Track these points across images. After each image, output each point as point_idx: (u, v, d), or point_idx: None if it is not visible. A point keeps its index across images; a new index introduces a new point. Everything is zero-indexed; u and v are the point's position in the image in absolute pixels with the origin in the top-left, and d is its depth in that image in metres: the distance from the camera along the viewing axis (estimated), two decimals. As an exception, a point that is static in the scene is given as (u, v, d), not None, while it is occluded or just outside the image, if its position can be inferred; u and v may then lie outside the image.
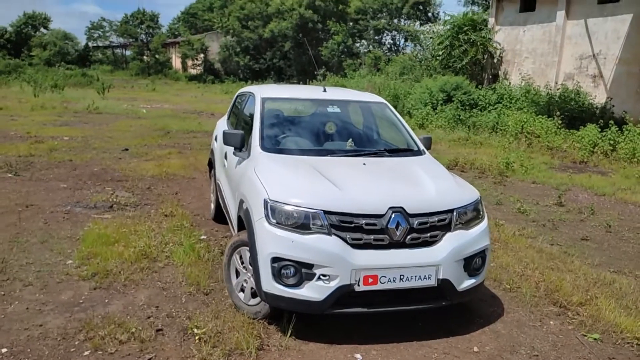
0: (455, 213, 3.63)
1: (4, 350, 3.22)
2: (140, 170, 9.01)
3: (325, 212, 3.36)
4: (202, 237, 5.59)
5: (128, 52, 58.47)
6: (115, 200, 6.86)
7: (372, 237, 3.38)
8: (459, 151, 12.34)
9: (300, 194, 3.47)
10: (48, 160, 9.52)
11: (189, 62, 48.15)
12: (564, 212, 7.61)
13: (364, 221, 3.37)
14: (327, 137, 4.69)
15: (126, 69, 53.43)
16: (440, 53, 21.25)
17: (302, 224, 3.37)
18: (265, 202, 3.47)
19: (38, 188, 7.44)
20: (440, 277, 3.49)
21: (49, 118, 15.78)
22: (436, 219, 3.54)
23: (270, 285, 3.39)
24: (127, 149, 11.11)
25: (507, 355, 3.56)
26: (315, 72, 30.21)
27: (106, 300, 3.99)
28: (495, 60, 20.07)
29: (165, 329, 3.58)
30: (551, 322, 4.08)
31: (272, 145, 4.35)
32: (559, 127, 13.88)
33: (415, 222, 3.47)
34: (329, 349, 3.46)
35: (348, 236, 3.35)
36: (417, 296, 3.56)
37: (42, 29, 57.90)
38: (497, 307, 4.28)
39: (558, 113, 14.32)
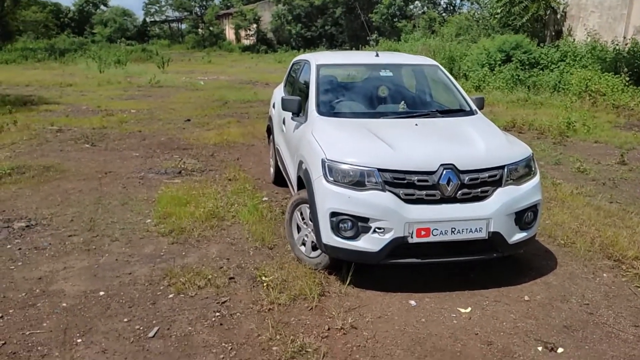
0: (505, 169, 3.76)
1: (101, 293, 3.72)
2: (203, 139, 9.50)
3: (379, 169, 3.59)
4: (264, 198, 5.96)
5: (183, 26, 59.85)
6: (183, 166, 7.36)
7: (424, 192, 3.59)
8: (517, 112, 12.08)
9: (355, 154, 3.71)
10: (119, 132, 10.20)
11: (242, 33, 48.68)
12: (626, 170, 7.44)
13: (415, 178, 3.58)
14: (380, 100, 4.87)
15: (182, 43, 54.78)
16: (499, 11, 20.44)
17: (357, 181, 3.61)
18: (323, 161, 3.73)
19: (114, 157, 8.07)
20: (492, 229, 3.66)
21: (116, 92, 16.67)
22: (487, 175, 3.68)
23: (329, 238, 3.68)
24: (189, 120, 11.67)
25: (558, 303, 3.71)
26: (368, 38, 29.86)
27: (183, 253, 4.43)
28: (558, 16, 19.13)
29: (237, 277, 3.98)
30: (604, 275, 4.16)
31: (328, 110, 4.58)
32: (627, 84, 13.26)
33: (466, 178, 3.63)
34: (385, 296, 3.74)
35: (401, 192, 3.57)
36: (469, 248, 3.75)
37: (102, 7, 60.06)
38: (550, 261, 4.40)
39: (626, 70, 13.65)
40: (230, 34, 52.10)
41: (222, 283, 3.85)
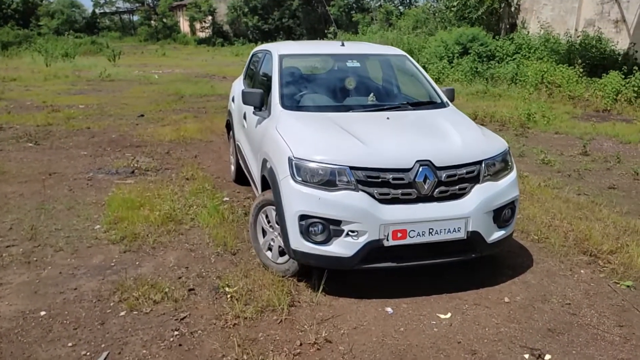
0: (483, 164, 3.56)
1: (42, 313, 3.29)
2: (158, 136, 9.00)
3: (351, 167, 3.31)
4: (225, 198, 5.60)
5: (135, 18, 57.80)
6: (136, 165, 6.89)
7: (399, 191, 3.33)
8: (477, 104, 12.10)
9: (324, 151, 3.42)
10: (66, 129, 9.55)
11: (197, 25, 47.46)
12: (589, 161, 7.46)
13: (390, 176, 3.32)
14: (347, 92, 4.58)
15: (135, 35, 52.94)
16: (455, 3, 20.54)
17: (328, 180, 3.33)
18: (290, 160, 3.42)
19: (59, 156, 7.49)
20: (470, 229, 3.45)
21: (63, 87, 15.76)
22: (464, 171, 3.47)
23: (298, 243, 3.38)
24: (142, 115, 11.09)
25: (539, 304, 3.54)
26: (326, 30, 29.61)
27: (137, 263, 4.04)
28: (512, 9, 19.39)
29: (197, 289, 3.62)
30: (582, 271, 4.04)
31: (293, 103, 4.27)
32: (581, 75, 13.49)
33: (443, 175, 3.40)
34: (360, 304, 3.48)
35: (375, 191, 3.31)
36: (447, 249, 3.53)
37: (48, -2, 57.27)
38: (526, 258, 4.25)
39: (579, 61, 13.89)
40: (185, 26, 50.71)
41: (180, 296, 3.49)
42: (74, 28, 51.43)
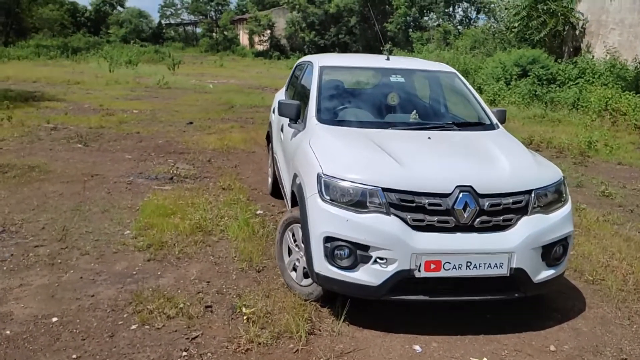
0: (533, 194, 3.21)
1: (54, 319, 3.20)
2: (203, 143, 9.02)
3: (384, 189, 3.05)
4: (259, 211, 5.43)
5: (198, 29, 59.82)
6: (175, 172, 6.86)
7: (435, 218, 3.04)
8: (534, 129, 11.50)
9: (356, 169, 3.17)
10: (116, 132, 9.75)
11: (256, 39, 48.43)
12: (655, 196, 6.83)
13: (427, 201, 3.03)
14: (389, 109, 4.33)
15: (196, 46, 54.67)
16: (516, 24, 19.85)
17: (358, 201, 3.08)
18: (319, 176, 3.20)
19: (105, 158, 7.59)
20: (514, 265, 3.10)
21: (122, 92, 16.28)
22: (510, 200, 3.13)
23: (322, 267, 3.14)
24: (191, 122, 11.21)
25: (590, 356, 3.13)
26: (381, 48, 29.42)
27: (159, 273, 3.91)
28: (577, 32, 18.54)
29: (215, 306, 3.44)
30: (642, 321, 3.58)
31: (330, 117, 4.06)
32: (649, 104, 12.62)
33: (485, 203, 3.08)
34: (385, 338, 3.19)
35: (409, 217, 3.03)
36: (487, 286, 3.19)
37: (118, 7, 60.17)
38: (577, 301, 3.82)
39: (648, 89, 13.03)
40: (244, 39, 51.91)
41: (196, 312, 3.31)
42: (141, 37, 53.67)
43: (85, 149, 8.18)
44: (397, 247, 2.99)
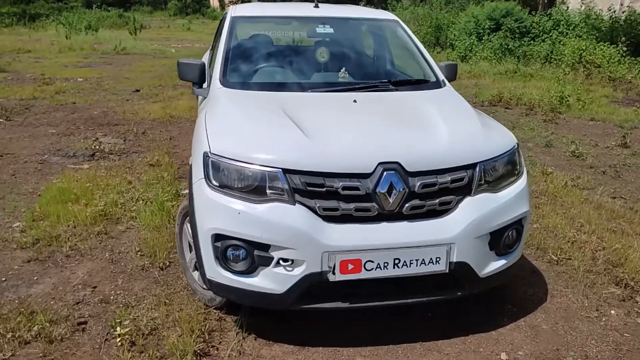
0: (478, 169, 2.55)
1: None
2: (143, 113, 8.19)
3: (286, 170, 2.36)
4: (184, 191, 4.71)
5: (166, -8, 57.01)
6: (98, 147, 6.06)
7: (352, 206, 2.37)
8: (504, 85, 10.86)
9: (252, 146, 2.47)
10: (49, 103, 8.84)
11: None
12: (629, 155, 6.28)
13: (340, 184, 2.35)
14: (316, 66, 3.59)
15: (165, 10, 52.24)
16: (490, -24, 18.90)
17: (254, 188, 2.39)
18: (206, 156, 2.50)
19: (24, 134, 6.75)
20: (454, 259, 2.47)
21: (74, 60, 15.12)
22: (449, 178, 2.47)
23: (214, 272, 2.47)
24: (138, 90, 10.32)
25: (548, 365, 2.56)
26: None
27: (35, 278, 3.21)
28: (551, -18, 17.72)
29: (91, 322, 2.76)
30: (612, 312, 3.02)
31: (238, 80, 3.31)
32: (624, 55, 12.06)
33: (417, 183, 2.42)
34: (300, 354, 2.56)
35: (318, 205, 2.36)
36: (422, 285, 2.57)
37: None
38: (537, 289, 3.25)
39: (623, 39, 12.43)
40: (214, 0, 49.68)
41: (62, 334, 2.63)
42: (106, 2, 50.97)
43: (5, 124, 7.30)
44: (304, 245, 2.32)
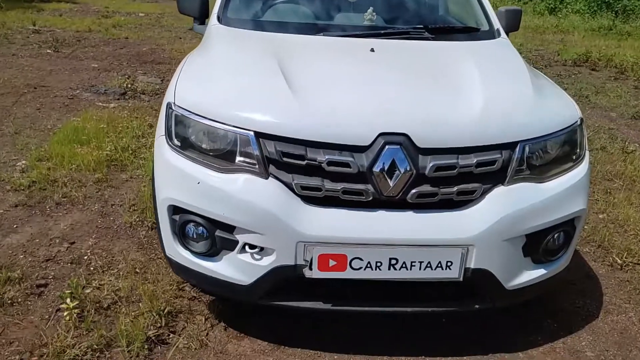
0: (518, 149, 1.91)
1: None
2: (190, 51, 7.82)
3: (259, 134, 1.85)
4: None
5: None
6: (131, 86, 5.76)
7: (340, 186, 1.83)
8: (595, 43, 9.55)
9: (225, 101, 1.97)
10: (102, 37, 8.71)
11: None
12: None
13: (326, 157, 1.81)
14: (341, 4, 2.96)
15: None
16: None
17: (222, 153, 1.91)
18: (169, 109, 2.02)
19: (66, 67, 6.61)
20: (472, 265, 1.90)
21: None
22: (474, 160, 1.86)
23: (172, 249, 2.05)
24: (192, 29, 9.95)
25: (584, 412, 1.98)
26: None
27: (15, 226, 2.95)
28: None
29: (51, 286, 2.46)
30: (684, 344, 2.34)
31: (240, 16, 2.76)
32: None
33: (429, 164, 1.83)
34: (271, 355, 2.13)
35: (296, 181, 1.84)
36: (429, 292, 2.02)
37: None
38: (590, 300, 2.60)
39: None
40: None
41: (15, 297, 2.35)
42: None
43: (52, 55, 7.21)
44: (274, 231, 1.83)
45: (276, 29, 2.60)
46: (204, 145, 1.93)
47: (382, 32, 2.58)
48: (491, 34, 2.73)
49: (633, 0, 12.67)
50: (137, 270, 2.58)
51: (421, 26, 2.64)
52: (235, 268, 1.94)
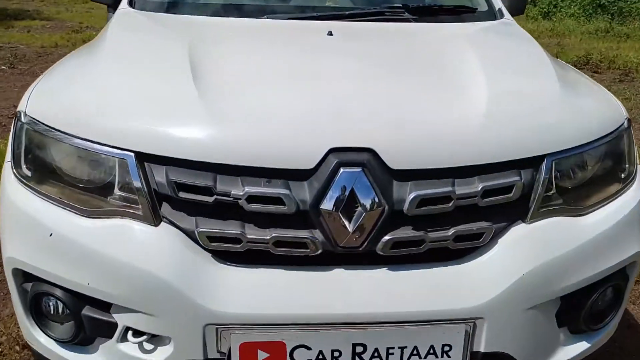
0: (545, 167, 1.25)
1: None
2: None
3: (141, 156, 1.18)
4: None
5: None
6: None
7: (270, 234, 1.16)
8: (593, 46, 9.02)
9: (95, 108, 1.30)
10: (67, 52, 8.08)
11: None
12: None
13: (246, 189, 1.14)
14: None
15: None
16: None
17: (91, 188, 1.23)
18: (17, 120, 1.36)
19: (17, 84, 6.11)
20: (482, 349, 1.23)
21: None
22: (479, 185, 1.19)
23: (27, 331, 1.36)
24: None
25: None
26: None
27: None
28: None
29: None
30: None
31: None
32: None
33: (409, 193, 1.16)
34: None
35: (201, 228, 1.16)
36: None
37: None
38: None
39: None
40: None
41: None
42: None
43: (6, 72, 6.65)
44: (168, 309, 1.16)
45: (206, 11, 1.94)
46: (65, 176, 1.26)
47: (347, 12, 1.91)
48: (492, 15, 2.08)
49: (628, 2, 12.20)
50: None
51: (399, 4, 1.97)
52: (117, 363, 1.25)
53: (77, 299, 1.23)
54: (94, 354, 1.28)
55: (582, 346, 1.40)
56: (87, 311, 1.23)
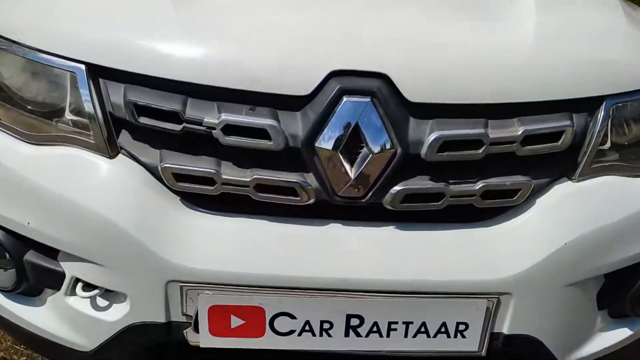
0: (603, 110, 1.00)
1: None
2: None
3: (94, 68, 0.94)
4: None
5: None
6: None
7: (251, 176, 0.93)
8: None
9: (48, 12, 1.04)
10: None
11: None
12: None
13: (222, 116, 0.90)
14: None
15: None
16: None
17: (42, 110, 1.01)
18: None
19: None
20: (504, 330, 1.01)
21: None
22: (519, 130, 0.94)
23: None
24: None
25: None
26: None
27: None
28: None
29: None
30: None
31: None
32: None
33: (430, 133, 0.92)
34: None
35: (167, 163, 0.94)
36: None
37: None
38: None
39: None
40: None
41: None
42: None
43: None
44: (124, 259, 0.95)
45: None
46: (12, 94, 1.04)
47: None
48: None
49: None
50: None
51: None
52: (64, 320, 1.06)
53: (18, 241, 1.03)
54: (42, 307, 1.09)
55: (623, 333, 1.18)
56: (30, 256, 1.03)
